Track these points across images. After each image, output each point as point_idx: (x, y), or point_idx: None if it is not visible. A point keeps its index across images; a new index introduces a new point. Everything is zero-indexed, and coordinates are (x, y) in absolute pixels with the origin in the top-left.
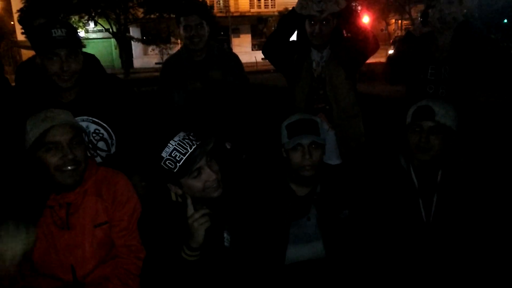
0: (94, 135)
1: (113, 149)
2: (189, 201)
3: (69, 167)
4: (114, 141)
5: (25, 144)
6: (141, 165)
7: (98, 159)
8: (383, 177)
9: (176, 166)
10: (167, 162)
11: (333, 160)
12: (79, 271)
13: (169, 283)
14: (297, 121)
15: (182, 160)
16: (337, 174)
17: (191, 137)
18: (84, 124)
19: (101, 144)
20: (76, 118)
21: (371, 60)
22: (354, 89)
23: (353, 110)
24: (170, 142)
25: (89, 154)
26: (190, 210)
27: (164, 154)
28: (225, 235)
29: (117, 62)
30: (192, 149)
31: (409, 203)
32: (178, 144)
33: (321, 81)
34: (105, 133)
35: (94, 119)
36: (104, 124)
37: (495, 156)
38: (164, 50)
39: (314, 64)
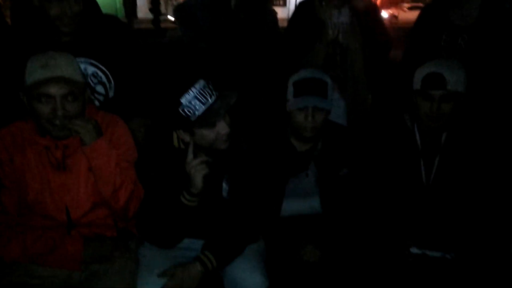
0: (92, 78)
1: (111, 93)
2: (190, 148)
3: (57, 122)
4: (112, 85)
5: (23, 82)
6: (140, 110)
7: (96, 103)
8: (386, 135)
9: (194, 114)
10: (185, 109)
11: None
12: (73, 213)
13: (165, 228)
14: (306, 80)
15: (202, 110)
16: (339, 132)
17: (210, 86)
18: (82, 66)
19: (99, 88)
20: None
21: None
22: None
23: (365, 80)
24: (191, 89)
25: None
26: (190, 156)
27: (183, 100)
28: (224, 185)
29: (121, 12)
30: (212, 100)
31: (410, 164)
32: (199, 92)
33: (338, 46)
34: (103, 77)
35: (92, 61)
36: (102, 67)
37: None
38: (169, 1)
39: (330, 25)
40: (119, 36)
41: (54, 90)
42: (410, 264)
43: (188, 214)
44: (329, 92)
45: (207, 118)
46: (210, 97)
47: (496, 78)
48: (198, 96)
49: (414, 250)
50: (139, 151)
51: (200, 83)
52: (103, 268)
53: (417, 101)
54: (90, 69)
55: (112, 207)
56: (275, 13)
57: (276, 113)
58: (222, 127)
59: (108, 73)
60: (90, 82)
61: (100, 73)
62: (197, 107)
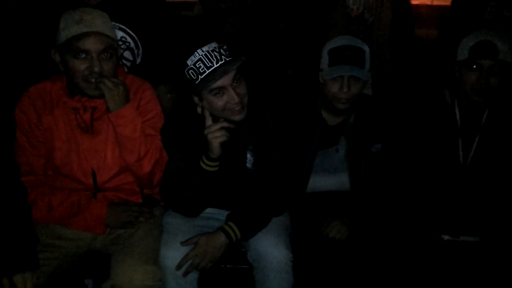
0: (120, 43)
1: (138, 60)
2: (207, 113)
3: (93, 80)
4: (140, 52)
5: (56, 39)
6: (168, 77)
7: (124, 68)
8: (423, 111)
9: (198, 78)
10: (190, 71)
11: None
12: (99, 176)
13: (188, 195)
14: (342, 48)
15: (205, 73)
16: (373, 106)
17: (222, 50)
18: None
19: (127, 54)
20: None
21: (416, 1)
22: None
23: (390, 57)
24: (197, 50)
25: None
26: (208, 121)
27: (189, 62)
28: (248, 155)
29: None
30: (219, 64)
31: (448, 143)
32: (206, 55)
33: (362, 23)
34: (131, 42)
35: (121, 25)
36: (131, 32)
37: None
38: None
39: (351, 2)
40: (150, 3)
41: (91, 45)
42: (441, 249)
43: (209, 180)
44: (367, 62)
45: (207, 83)
46: (217, 61)
47: None
48: (204, 59)
49: (446, 237)
50: (164, 118)
51: (211, 45)
52: (127, 233)
53: (461, 73)
54: (119, 34)
55: (137, 175)
56: None
57: (306, 84)
58: (230, 97)
59: (136, 39)
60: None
61: (128, 39)
62: (201, 70)
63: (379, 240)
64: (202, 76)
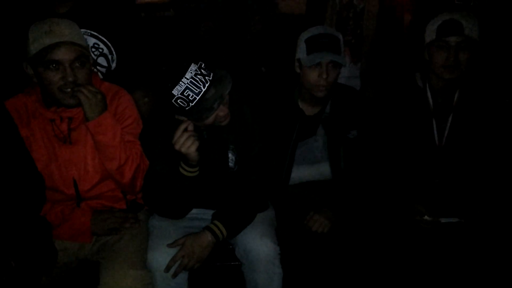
0: (93, 49)
1: (113, 65)
2: (181, 127)
3: (69, 89)
4: (114, 57)
5: (25, 52)
6: (144, 81)
7: (99, 75)
8: (396, 96)
9: (188, 105)
10: (178, 101)
11: None
12: (81, 186)
13: (172, 200)
14: (319, 36)
15: (196, 100)
16: (348, 94)
17: (202, 70)
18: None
19: (101, 60)
20: None
21: None
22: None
23: (378, 44)
24: (182, 80)
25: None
26: (175, 136)
27: (175, 92)
28: (230, 155)
29: None
30: (206, 87)
31: (422, 125)
32: (191, 82)
33: (352, 9)
34: (104, 48)
35: (92, 32)
36: (103, 38)
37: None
38: None
39: None
40: (119, 6)
41: (62, 55)
42: (422, 230)
43: (191, 184)
44: (342, 49)
45: (201, 111)
46: (203, 85)
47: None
48: (190, 87)
49: (426, 218)
50: (143, 123)
51: (192, 69)
52: (114, 240)
53: (431, 53)
54: (91, 41)
55: (118, 182)
56: None
57: (281, 77)
58: (220, 110)
59: (109, 44)
60: (91, 54)
61: (101, 45)
62: (190, 98)
63: (361, 228)
64: (192, 104)
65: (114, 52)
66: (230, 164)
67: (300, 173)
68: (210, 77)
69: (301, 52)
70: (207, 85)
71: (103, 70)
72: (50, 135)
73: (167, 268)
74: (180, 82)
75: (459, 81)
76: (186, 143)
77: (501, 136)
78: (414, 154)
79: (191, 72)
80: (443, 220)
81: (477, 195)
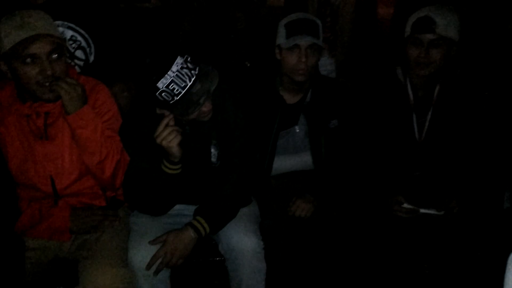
0: (70, 42)
1: (91, 58)
2: (164, 121)
3: (47, 83)
4: (92, 49)
5: None
6: (123, 74)
7: (76, 69)
8: (377, 89)
9: (173, 98)
10: (163, 94)
11: None
12: (58, 183)
13: (153, 197)
14: (298, 20)
15: (181, 94)
16: (328, 84)
17: (188, 63)
18: (59, 30)
19: (78, 53)
20: None
21: None
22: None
23: (352, 41)
24: (168, 72)
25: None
26: (159, 129)
27: (160, 85)
28: (213, 150)
29: None
30: (191, 81)
31: (403, 119)
32: (177, 75)
33: (329, 6)
34: (82, 41)
35: (70, 24)
36: (81, 31)
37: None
38: None
39: None
40: None
41: (38, 48)
42: (401, 219)
43: (174, 181)
44: (321, 34)
45: (187, 106)
46: (189, 79)
47: (492, 30)
48: (175, 80)
49: (405, 205)
50: (122, 117)
51: (178, 63)
52: (94, 237)
53: (407, 48)
54: (68, 33)
55: (98, 177)
56: None
57: (262, 65)
58: (204, 105)
59: (87, 36)
60: (69, 47)
61: (79, 37)
62: (176, 91)
63: (342, 216)
64: (177, 97)
65: (92, 45)
66: (213, 159)
67: (282, 163)
68: (196, 71)
69: (281, 37)
70: (193, 79)
71: (81, 63)
72: (26, 130)
73: (149, 266)
74: (166, 75)
75: (439, 75)
76: (168, 137)
77: (479, 129)
78: (395, 147)
79: (177, 65)
80: (422, 211)
81: (456, 188)
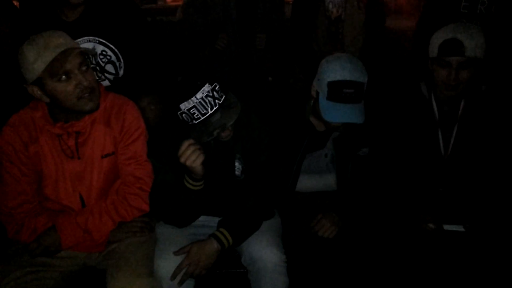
0: (101, 57)
1: (121, 72)
2: (187, 141)
3: (86, 94)
4: (122, 64)
5: (25, 76)
6: (151, 89)
7: (106, 83)
8: (402, 106)
9: (192, 121)
10: (183, 115)
11: None
12: (86, 200)
13: (178, 210)
14: (343, 84)
15: (200, 120)
16: None
17: (215, 93)
18: (90, 45)
19: (108, 67)
20: (81, 39)
21: None
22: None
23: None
24: (192, 98)
25: (96, 78)
26: (181, 149)
27: (182, 107)
28: (237, 164)
29: None
30: (213, 111)
31: (428, 135)
32: (200, 102)
33: (340, 23)
34: (112, 55)
35: (100, 39)
36: (111, 46)
37: None
38: None
39: (330, 6)
40: (126, 13)
41: (70, 63)
42: (426, 238)
43: (197, 196)
44: (363, 93)
45: (201, 133)
46: (211, 107)
47: None
48: (197, 106)
49: (431, 226)
50: (150, 130)
51: (205, 90)
52: (121, 247)
53: (433, 68)
54: (99, 48)
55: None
56: None
57: (292, 91)
58: (224, 131)
59: (117, 51)
60: (99, 61)
61: (109, 52)
62: (195, 116)
63: (367, 235)
64: (196, 122)
65: (122, 59)
66: (237, 172)
67: (306, 183)
68: (220, 101)
69: (320, 87)
70: (215, 108)
71: (111, 77)
72: (58, 150)
73: (173, 276)
74: (189, 100)
75: (465, 90)
76: (191, 156)
77: (506, 146)
78: (420, 163)
79: (202, 93)
80: (446, 227)
81: (481, 204)
